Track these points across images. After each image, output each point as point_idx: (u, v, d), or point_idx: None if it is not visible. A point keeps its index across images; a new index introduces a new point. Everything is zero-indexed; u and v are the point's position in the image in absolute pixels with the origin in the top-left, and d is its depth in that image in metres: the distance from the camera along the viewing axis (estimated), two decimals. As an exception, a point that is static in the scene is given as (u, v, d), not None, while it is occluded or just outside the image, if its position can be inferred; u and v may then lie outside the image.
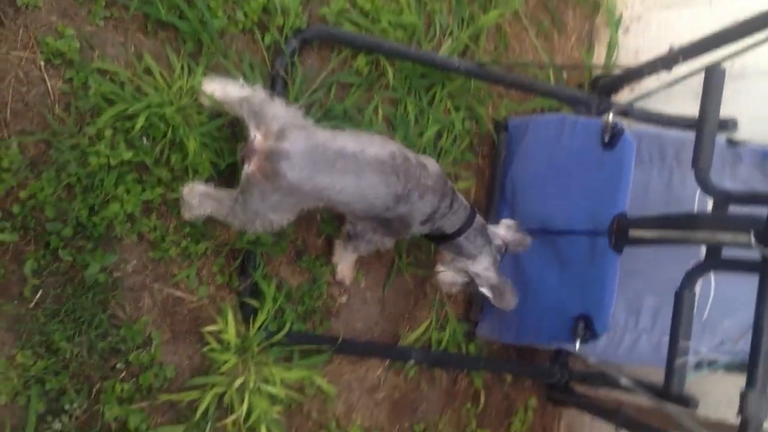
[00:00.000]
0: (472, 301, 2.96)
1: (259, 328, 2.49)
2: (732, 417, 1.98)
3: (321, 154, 2.05)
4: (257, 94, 2.22)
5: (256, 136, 2.06)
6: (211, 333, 2.45)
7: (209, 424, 2.43)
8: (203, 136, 2.38)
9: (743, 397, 1.86)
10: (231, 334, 2.44)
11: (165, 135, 2.33)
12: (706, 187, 2.14)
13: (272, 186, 2.04)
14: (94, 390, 2.33)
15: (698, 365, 2.53)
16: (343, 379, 2.77)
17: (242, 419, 2.42)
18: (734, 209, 2.10)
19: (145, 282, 2.41)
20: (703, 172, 2.13)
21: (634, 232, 2.35)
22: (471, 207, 2.41)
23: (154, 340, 2.40)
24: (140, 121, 2.27)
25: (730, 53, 2.18)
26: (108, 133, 2.25)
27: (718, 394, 2.69)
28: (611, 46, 3.23)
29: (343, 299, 2.76)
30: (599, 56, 3.30)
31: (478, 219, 2.43)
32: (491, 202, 2.95)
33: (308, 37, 2.58)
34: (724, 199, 2.12)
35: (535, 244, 2.70)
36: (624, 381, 2.37)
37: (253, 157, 2.04)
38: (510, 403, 3.14)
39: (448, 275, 2.52)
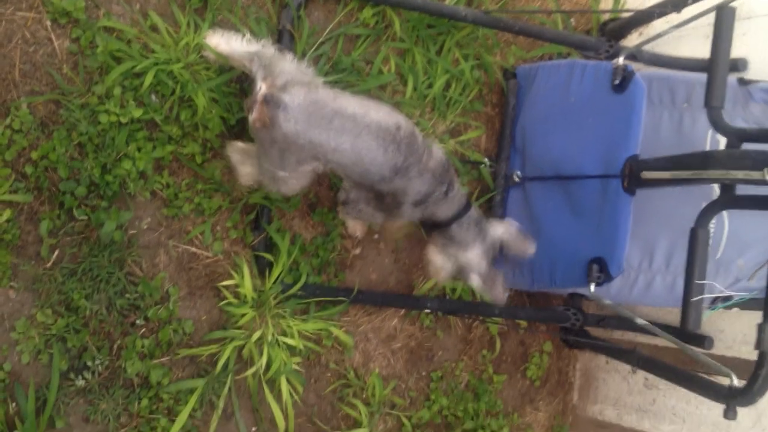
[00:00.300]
0: (485, 250, 2.92)
1: (275, 281, 2.46)
2: (747, 354, 1.96)
3: (318, 110, 2.02)
4: (267, 49, 2.18)
5: (261, 87, 2.03)
6: (227, 287, 2.44)
7: (229, 376, 2.42)
8: (212, 92, 2.33)
9: (761, 330, 1.83)
10: (247, 288, 2.41)
11: (174, 92, 2.29)
12: (719, 125, 2.09)
13: (270, 136, 2.02)
14: (115, 346, 2.32)
15: (713, 303, 2.48)
16: (360, 330, 2.75)
17: (262, 371, 2.41)
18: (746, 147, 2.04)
19: (160, 239, 2.39)
20: (715, 111, 2.08)
21: (647, 174, 2.28)
22: (467, 197, 2.36)
23: (171, 295, 2.39)
24: (148, 79, 2.23)
25: (739, -7, 2.11)
26: (117, 91, 2.22)
27: (733, 332, 2.66)
28: (619, -10, 3.14)
29: (357, 251, 2.73)
30: (607, 0, 3.20)
31: (475, 210, 2.39)
32: (501, 150, 2.89)
33: (314, -11, 2.52)
34: (736, 137, 2.07)
35: (547, 190, 2.68)
36: (639, 321, 2.33)
37: (255, 106, 2.02)
38: (525, 349, 3.11)
39: (438, 258, 2.47)
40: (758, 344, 1.84)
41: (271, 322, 2.42)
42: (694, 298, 2.01)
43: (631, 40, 3.04)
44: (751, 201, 2.02)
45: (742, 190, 2.06)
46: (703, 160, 2.08)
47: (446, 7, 2.66)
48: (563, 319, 2.91)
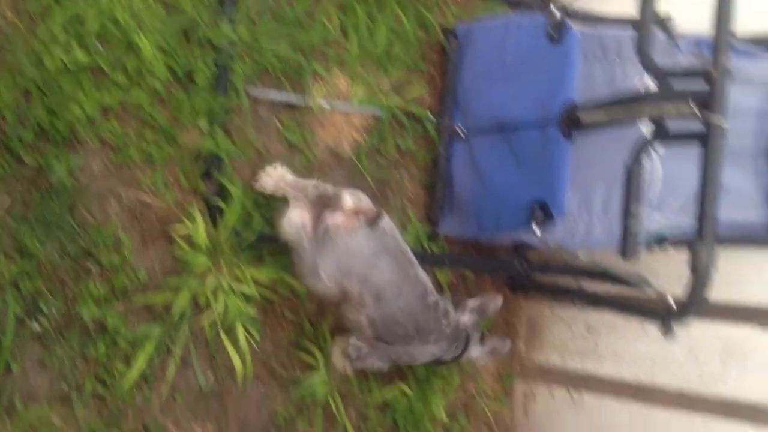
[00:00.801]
0: (432, 204, 2.92)
1: (229, 230, 2.40)
2: (682, 294, 2.03)
3: (393, 243, 2.25)
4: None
5: (348, 200, 2.20)
6: (180, 236, 2.37)
7: (186, 324, 2.36)
8: (158, 40, 2.27)
9: (694, 250, 1.93)
10: (201, 236, 2.35)
11: (119, 40, 2.22)
12: (649, 65, 2.14)
13: (341, 240, 2.16)
14: (69, 292, 2.23)
15: (647, 243, 2.52)
16: (313, 280, 2.70)
17: (219, 319, 2.36)
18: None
19: (110, 187, 2.30)
20: (645, 53, 2.13)
21: (583, 115, 2.35)
22: (466, 336, 2.51)
23: (123, 243, 2.30)
24: (92, 24, 2.16)
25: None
26: (62, 36, 2.14)
27: (667, 274, 2.63)
28: (552, -51, 3.17)
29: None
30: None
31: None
32: (444, 107, 2.90)
33: (255, -57, 2.47)
34: (665, 75, 2.14)
35: (489, 142, 2.72)
36: (581, 257, 2.40)
37: (341, 212, 2.17)
38: (473, 299, 3.11)
39: None
40: (692, 263, 1.94)
41: (225, 269, 2.37)
42: (633, 222, 2.08)
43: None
44: (681, 135, 2.09)
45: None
46: (636, 99, 2.20)
47: (384, -35, 2.66)
48: (509, 267, 2.92)
